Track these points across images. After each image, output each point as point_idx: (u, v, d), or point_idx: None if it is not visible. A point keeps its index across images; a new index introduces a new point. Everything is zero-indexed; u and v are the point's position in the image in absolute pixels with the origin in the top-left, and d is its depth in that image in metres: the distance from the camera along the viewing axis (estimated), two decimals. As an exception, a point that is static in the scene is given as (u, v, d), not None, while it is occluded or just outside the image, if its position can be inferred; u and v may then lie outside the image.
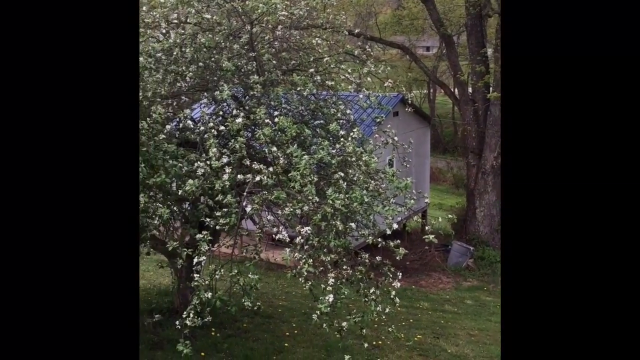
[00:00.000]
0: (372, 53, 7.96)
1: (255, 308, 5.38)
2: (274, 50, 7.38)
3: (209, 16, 6.84)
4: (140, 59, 6.30)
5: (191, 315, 5.11)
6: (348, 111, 7.25)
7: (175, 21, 7.31)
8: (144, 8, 7.07)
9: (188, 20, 7.18)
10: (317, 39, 7.45)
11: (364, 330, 6.10)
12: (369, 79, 7.32)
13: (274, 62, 7.07)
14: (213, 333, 8.78)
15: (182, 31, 7.17)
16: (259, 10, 6.43)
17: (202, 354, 7.97)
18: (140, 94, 6.29)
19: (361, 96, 7.31)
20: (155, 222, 6.08)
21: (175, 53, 6.73)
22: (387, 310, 5.67)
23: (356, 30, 12.09)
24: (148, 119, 6.11)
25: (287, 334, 9.37)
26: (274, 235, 5.60)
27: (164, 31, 7.04)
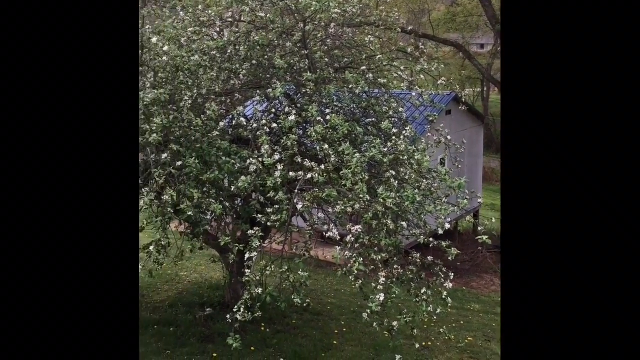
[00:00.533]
0: (425, 50, 7.86)
1: (304, 305, 5.39)
2: (326, 47, 7.39)
3: (262, 14, 6.90)
4: (196, 57, 6.42)
5: (242, 310, 5.17)
6: (400, 109, 7.17)
7: (230, 20, 7.41)
8: (200, 7, 7.20)
9: (242, 19, 7.26)
10: (369, 36, 7.42)
11: (415, 331, 6.04)
12: (421, 76, 7.23)
13: (327, 59, 7.07)
14: (262, 328, 8.87)
15: (236, 29, 7.27)
16: (312, 8, 6.44)
17: (252, 348, 8.06)
18: (195, 91, 6.41)
19: (414, 94, 7.23)
20: (208, 217, 6.18)
21: (229, 51, 6.82)
22: (438, 311, 5.59)
23: (409, 28, 11.96)
24: (202, 116, 6.22)
25: (336, 331, 9.38)
26: (324, 233, 5.60)
27: (218, 29, 7.15)
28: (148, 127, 5.74)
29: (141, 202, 5.50)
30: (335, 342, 8.88)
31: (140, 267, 5.31)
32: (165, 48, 6.18)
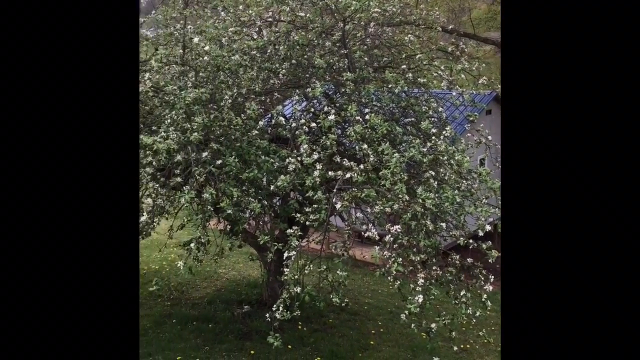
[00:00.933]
0: (465, 49, 7.75)
1: (342, 305, 5.39)
2: (365, 47, 7.36)
3: (302, 14, 6.93)
4: (236, 56, 6.48)
5: (281, 308, 5.20)
6: (440, 109, 7.10)
7: (270, 19, 7.46)
8: (240, 7, 7.26)
9: (282, 19, 7.30)
10: (409, 35, 7.36)
11: (453, 333, 5.97)
12: (462, 76, 7.13)
13: (366, 59, 7.05)
14: (300, 327, 8.91)
15: (276, 29, 7.31)
16: (352, 7, 6.43)
17: (289, 346, 8.10)
18: (235, 90, 6.48)
19: (454, 93, 7.14)
20: (247, 215, 6.24)
21: (269, 51, 6.86)
22: (477, 314, 5.51)
23: (449, 27, 11.82)
24: (242, 115, 6.28)
25: (373, 332, 9.35)
26: (362, 233, 5.59)
27: (258, 29, 7.21)
28: (189, 125, 5.82)
29: (182, 200, 5.58)
30: (372, 343, 8.85)
31: (181, 263, 5.39)
32: (207, 48, 6.26)
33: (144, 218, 5.95)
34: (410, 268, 5.33)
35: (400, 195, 5.09)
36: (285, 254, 5.28)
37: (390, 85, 6.52)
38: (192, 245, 5.68)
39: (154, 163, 5.75)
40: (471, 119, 7.07)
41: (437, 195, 5.30)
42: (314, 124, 6.02)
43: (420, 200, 5.13)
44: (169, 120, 5.95)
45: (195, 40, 6.46)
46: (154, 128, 6.30)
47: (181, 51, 6.85)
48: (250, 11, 7.24)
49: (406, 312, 5.17)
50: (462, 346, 8.82)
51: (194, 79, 6.65)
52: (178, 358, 7.71)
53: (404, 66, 6.88)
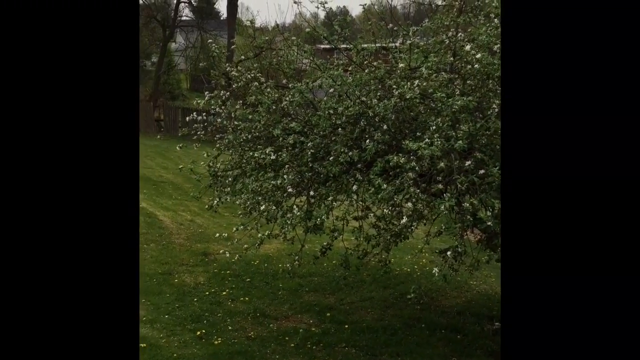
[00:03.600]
0: None
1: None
2: None
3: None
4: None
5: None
6: None
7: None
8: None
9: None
10: None
11: None
12: None
13: None
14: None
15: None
16: None
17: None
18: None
19: None
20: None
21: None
22: None
23: None
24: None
25: None
26: None
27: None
28: (454, 133, 5.80)
29: (441, 207, 5.59)
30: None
31: (436, 270, 5.41)
32: (478, 55, 6.16)
33: (404, 221, 6.09)
34: None
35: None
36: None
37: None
38: (448, 253, 5.65)
39: (416, 168, 5.85)
40: None
41: None
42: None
43: None
44: (434, 127, 6.00)
45: (467, 47, 6.41)
46: (418, 134, 6.42)
47: (451, 59, 6.86)
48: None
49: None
50: None
51: (461, 86, 6.60)
52: (425, 363, 7.77)
53: None
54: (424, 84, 6.31)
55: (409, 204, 6.82)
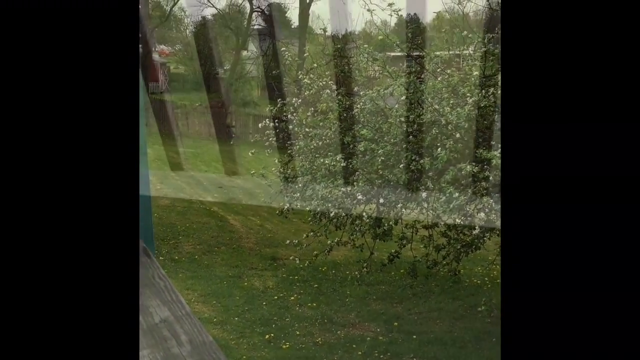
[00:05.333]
0: None
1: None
2: None
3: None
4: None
5: None
6: None
7: None
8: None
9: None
10: None
11: None
12: None
13: None
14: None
15: None
16: None
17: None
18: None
19: None
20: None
21: None
22: None
23: None
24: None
25: None
26: None
27: None
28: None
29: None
30: None
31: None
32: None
33: (476, 232, 5.98)
34: None
35: None
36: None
37: None
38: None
39: (490, 178, 5.74)
40: None
41: None
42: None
43: None
44: (508, 136, 5.85)
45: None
46: (492, 143, 6.28)
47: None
48: None
49: None
50: None
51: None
52: (495, 378, 7.56)
53: None
54: (499, 92, 6.17)
55: (482, 214, 6.69)
